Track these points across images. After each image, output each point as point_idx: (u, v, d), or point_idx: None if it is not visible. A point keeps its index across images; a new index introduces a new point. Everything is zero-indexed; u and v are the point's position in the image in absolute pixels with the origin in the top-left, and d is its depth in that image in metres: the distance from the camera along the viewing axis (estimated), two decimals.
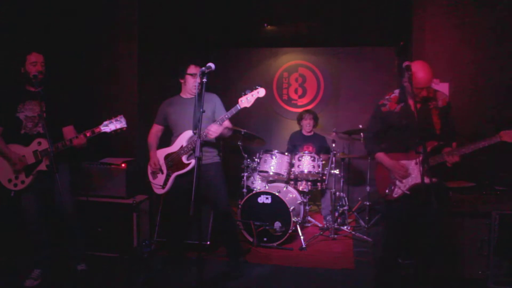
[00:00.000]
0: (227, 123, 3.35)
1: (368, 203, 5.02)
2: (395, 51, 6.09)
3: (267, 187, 4.55)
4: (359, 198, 5.58)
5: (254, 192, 4.37)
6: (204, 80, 2.82)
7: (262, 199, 4.29)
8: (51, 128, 2.98)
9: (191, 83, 3.39)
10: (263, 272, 3.58)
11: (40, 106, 3.05)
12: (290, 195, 4.57)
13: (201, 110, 2.75)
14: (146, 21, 4.61)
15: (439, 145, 2.83)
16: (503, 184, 3.45)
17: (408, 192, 2.86)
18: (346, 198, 5.13)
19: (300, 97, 6.61)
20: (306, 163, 4.64)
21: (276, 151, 4.67)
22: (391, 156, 2.94)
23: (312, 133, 5.27)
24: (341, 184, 5.00)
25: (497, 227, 3.15)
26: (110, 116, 3.12)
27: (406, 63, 2.71)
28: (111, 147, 4.31)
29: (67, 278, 3.34)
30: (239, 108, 3.11)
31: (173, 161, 3.41)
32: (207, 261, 3.75)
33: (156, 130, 3.60)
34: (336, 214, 4.77)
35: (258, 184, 4.80)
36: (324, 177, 4.76)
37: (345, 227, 4.70)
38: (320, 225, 4.91)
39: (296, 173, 4.68)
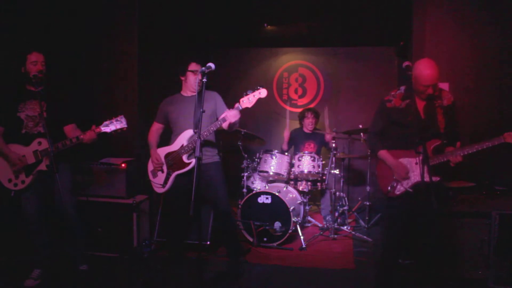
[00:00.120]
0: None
1: (368, 203, 5.02)
2: (395, 51, 6.09)
3: (267, 187, 4.55)
4: (359, 198, 5.57)
5: (254, 192, 4.37)
6: (204, 80, 2.83)
7: (262, 199, 4.29)
8: (51, 127, 2.99)
9: (192, 80, 3.40)
10: (263, 272, 3.57)
11: (40, 106, 3.05)
12: (290, 195, 4.57)
13: (201, 110, 2.76)
14: (146, 21, 4.61)
15: (442, 143, 2.83)
16: (503, 184, 3.46)
17: (410, 190, 2.86)
18: (346, 198, 5.12)
19: (300, 97, 6.61)
20: (306, 163, 4.64)
21: (276, 151, 4.67)
22: (394, 153, 2.94)
23: (312, 130, 5.27)
24: (341, 184, 5.00)
25: (497, 227, 3.14)
26: (110, 116, 3.12)
27: (406, 63, 2.71)
28: (111, 147, 4.31)
29: (67, 278, 3.34)
30: (240, 108, 3.12)
31: (174, 160, 3.41)
32: (207, 261, 3.76)
33: (156, 128, 3.60)
34: (336, 214, 4.77)
35: (258, 184, 4.80)
36: (324, 177, 4.76)
37: (345, 227, 4.70)
38: (320, 225, 4.91)
39: (296, 173, 4.68)
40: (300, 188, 4.74)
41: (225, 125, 3.25)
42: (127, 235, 3.86)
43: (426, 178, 2.45)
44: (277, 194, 4.24)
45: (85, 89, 4.44)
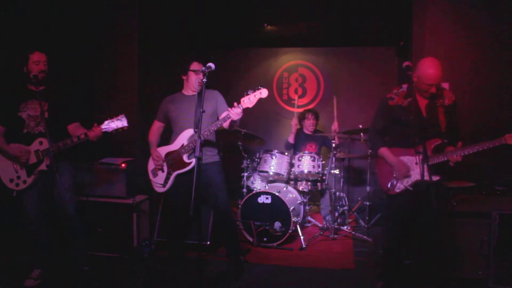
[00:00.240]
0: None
1: (368, 203, 5.02)
2: (395, 51, 6.09)
3: (267, 187, 4.55)
4: (359, 198, 5.57)
5: (254, 192, 4.37)
6: (204, 80, 2.84)
7: (262, 199, 4.30)
8: (53, 127, 2.99)
9: (194, 80, 3.40)
10: (263, 272, 3.57)
11: (40, 106, 3.05)
12: (290, 195, 4.57)
13: (201, 110, 2.76)
14: (146, 21, 4.61)
15: (443, 143, 2.83)
16: (503, 184, 3.46)
17: (410, 188, 2.86)
18: (346, 198, 5.12)
19: (300, 97, 6.60)
20: (306, 163, 4.64)
21: (276, 151, 4.67)
22: (394, 151, 2.94)
23: (313, 132, 5.27)
24: (341, 184, 5.00)
25: (497, 227, 3.14)
26: (111, 116, 3.12)
27: (406, 63, 2.70)
28: (111, 147, 4.31)
29: (67, 278, 3.34)
30: (241, 108, 3.11)
31: (174, 160, 3.41)
32: (207, 261, 3.76)
33: (157, 127, 3.60)
34: (336, 214, 4.77)
35: (258, 184, 4.80)
36: (324, 177, 4.77)
37: (345, 227, 4.71)
38: (320, 225, 4.91)
39: (296, 173, 4.68)
40: (300, 188, 4.74)
41: (226, 124, 3.25)
42: (127, 235, 3.86)
43: (426, 177, 2.45)
44: (277, 194, 4.24)
45: (85, 89, 4.43)
